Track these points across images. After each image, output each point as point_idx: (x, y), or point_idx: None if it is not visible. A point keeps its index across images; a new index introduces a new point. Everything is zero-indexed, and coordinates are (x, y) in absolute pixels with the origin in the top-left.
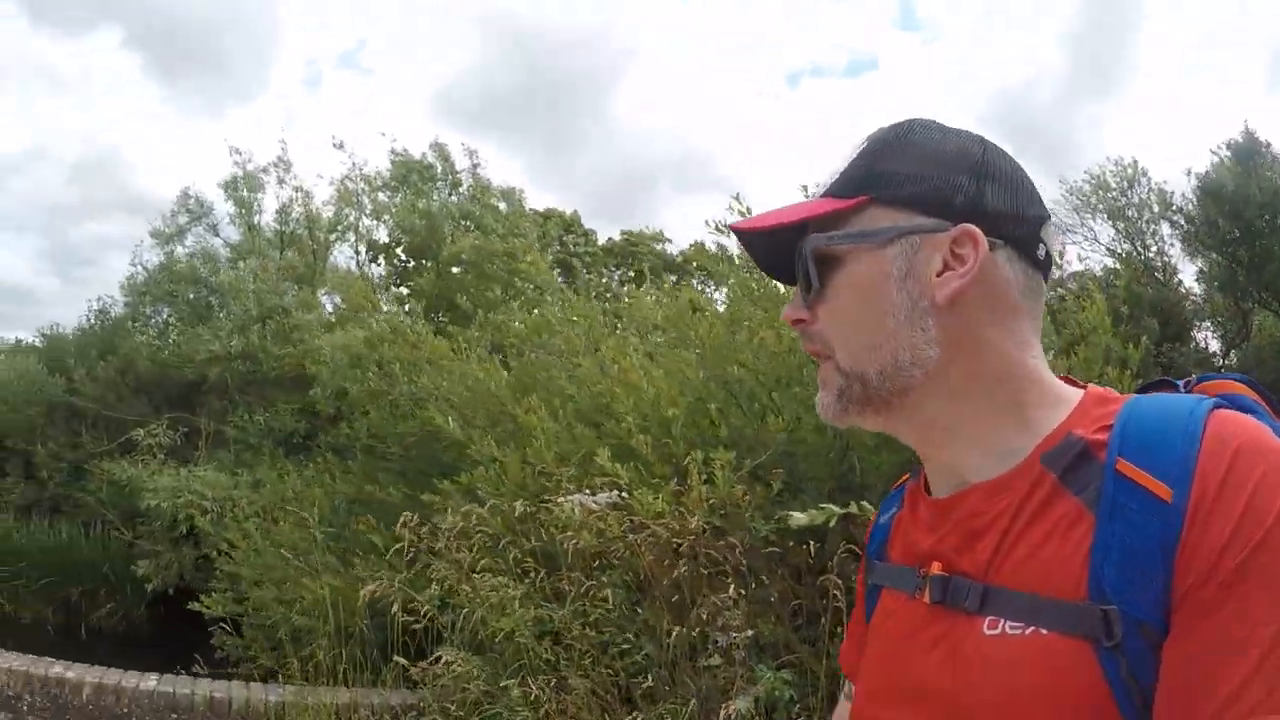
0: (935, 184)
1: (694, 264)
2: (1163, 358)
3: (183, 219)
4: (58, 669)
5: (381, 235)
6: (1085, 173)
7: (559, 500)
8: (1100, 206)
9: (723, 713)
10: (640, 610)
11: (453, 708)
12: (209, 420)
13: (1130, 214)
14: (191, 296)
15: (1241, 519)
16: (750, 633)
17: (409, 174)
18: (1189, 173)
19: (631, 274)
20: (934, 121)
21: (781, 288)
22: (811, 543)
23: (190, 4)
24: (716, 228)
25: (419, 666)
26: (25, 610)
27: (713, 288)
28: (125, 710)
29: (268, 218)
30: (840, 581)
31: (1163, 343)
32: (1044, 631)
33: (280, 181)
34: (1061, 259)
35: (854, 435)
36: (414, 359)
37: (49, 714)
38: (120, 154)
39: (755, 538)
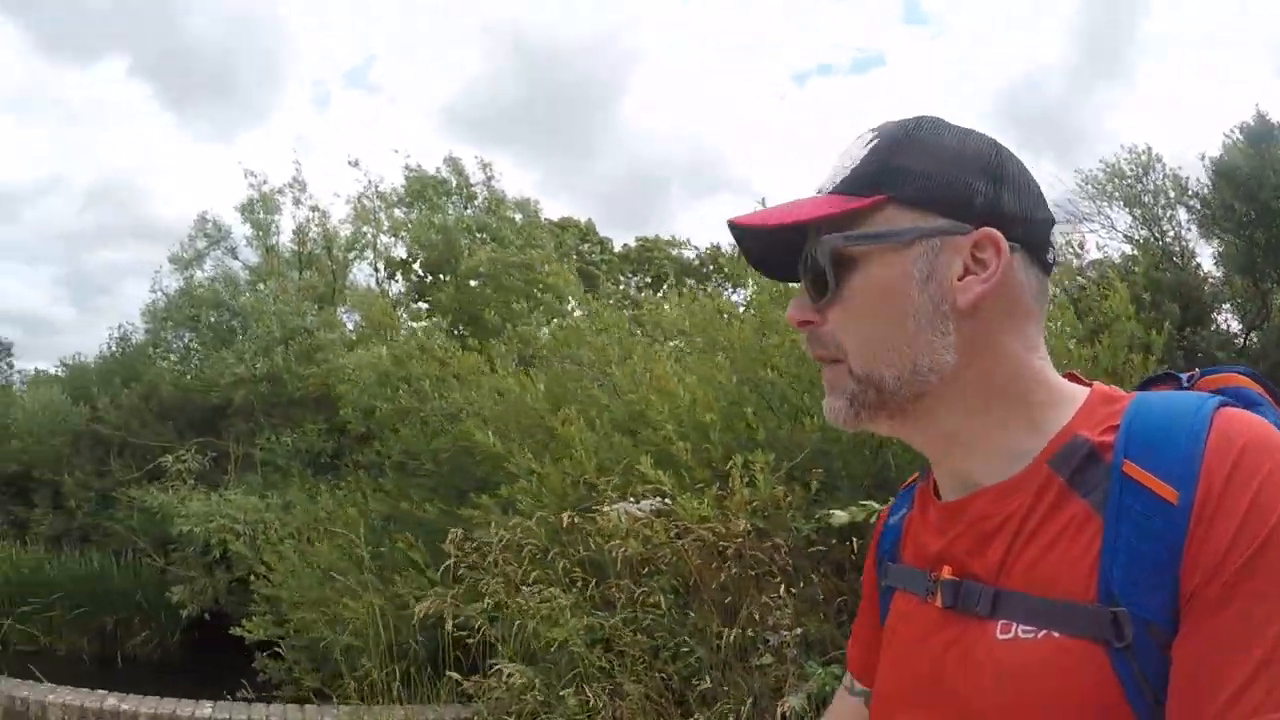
0: (954, 185)
1: (711, 267)
2: (1185, 341)
3: (201, 243)
4: (112, 701)
5: (399, 252)
6: (1100, 161)
7: (605, 509)
8: (1116, 194)
9: (779, 710)
10: (691, 613)
11: (510, 719)
12: (237, 444)
13: (1146, 200)
14: (213, 320)
15: (1246, 517)
16: (799, 631)
17: (424, 189)
18: (1203, 157)
19: (648, 280)
20: (942, 120)
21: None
22: (853, 540)
23: (196, 31)
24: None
25: (472, 680)
26: (60, 642)
27: (730, 289)
28: None
29: (285, 239)
30: None
31: (1184, 326)
32: (1056, 634)
33: (296, 202)
34: (1082, 249)
35: None
36: (442, 374)
37: None
38: (132, 181)
39: (797, 537)
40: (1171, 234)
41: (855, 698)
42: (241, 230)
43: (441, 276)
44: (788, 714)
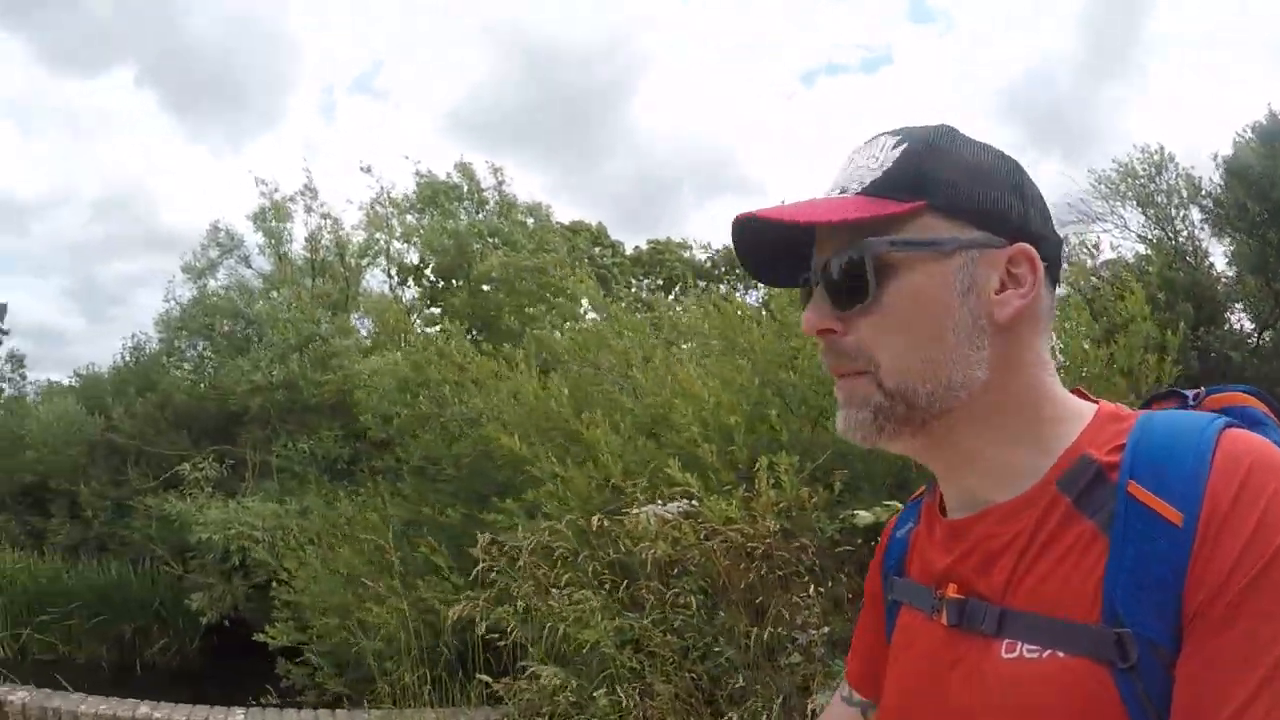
0: (987, 198)
1: (723, 269)
2: (1198, 341)
3: (214, 252)
4: (144, 709)
5: (412, 258)
6: (1113, 160)
7: (634, 512)
8: (1129, 194)
9: (808, 707)
10: (721, 613)
11: None
12: (254, 451)
13: (1160, 200)
14: (226, 328)
15: (1252, 537)
16: (826, 630)
17: (435, 195)
18: (1215, 157)
19: (660, 283)
20: (959, 131)
21: None
22: (877, 539)
23: (201, 39)
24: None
25: (503, 682)
26: (79, 651)
27: (743, 290)
28: None
29: (297, 246)
30: None
31: (1197, 326)
32: (1061, 654)
33: (308, 210)
34: (1096, 250)
35: None
36: (460, 379)
37: None
38: (141, 191)
39: (823, 538)
40: (1185, 234)
41: (853, 708)
42: (254, 238)
43: (454, 282)
44: (817, 711)
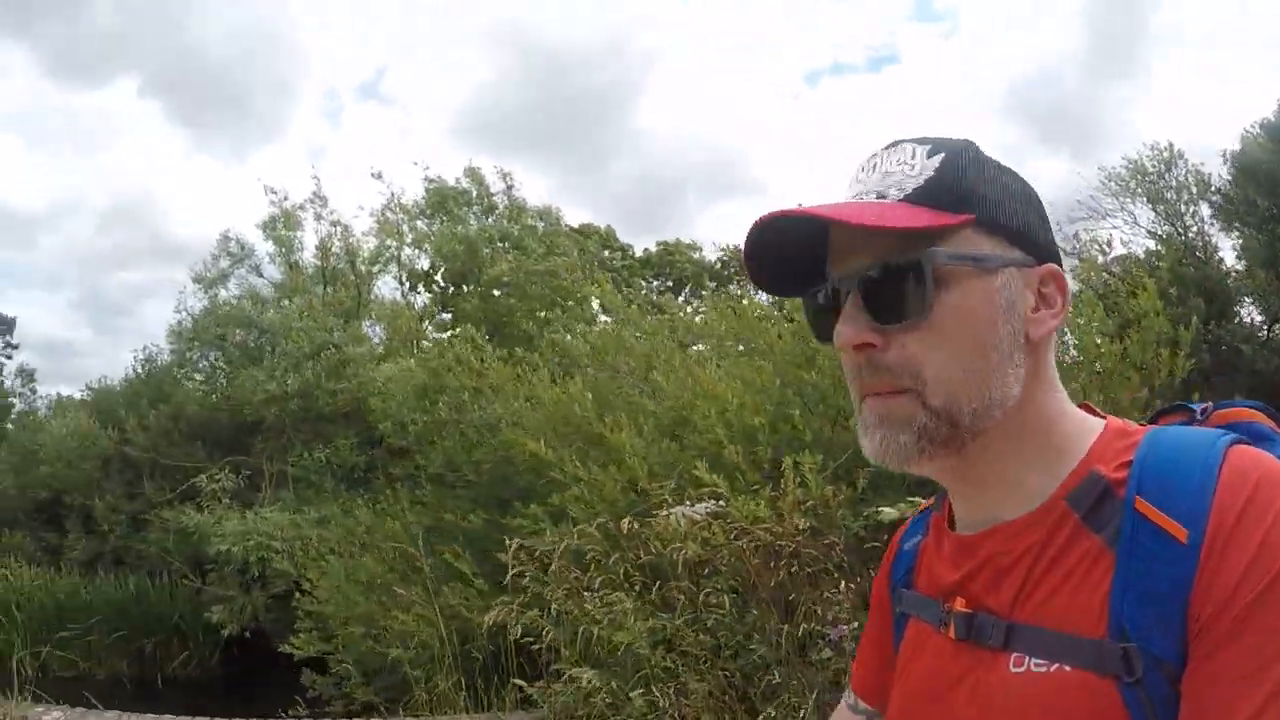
0: (1019, 217)
1: (733, 269)
2: (1210, 335)
3: (224, 262)
4: None
5: (423, 264)
6: (1123, 158)
7: (664, 514)
8: (1139, 191)
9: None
10: (754, 611)
11: None
12: (270, 461)
13: (1169, 196)
14: (239, 337)
15: (1259, 552)
16: (856, 625)
17: (444, 201)
18: (1225, 153)
19: (669, 284)
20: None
21: None
22: None
23: (205, 48)
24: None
25: (537, 686)
26: (99, 667)
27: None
28: None
29: (308, 255)
30: None
31: (1209, 320)
32: (1068, 668)
33: (318, 217)
34: (1109, 247)
35: None
36: (479, 385)
37: None
38: (147, 202)
39: (848, 534)
40: (1194, 229)
41: (859, 716)
42: (264, 247)
43: (464, 287)
44: None
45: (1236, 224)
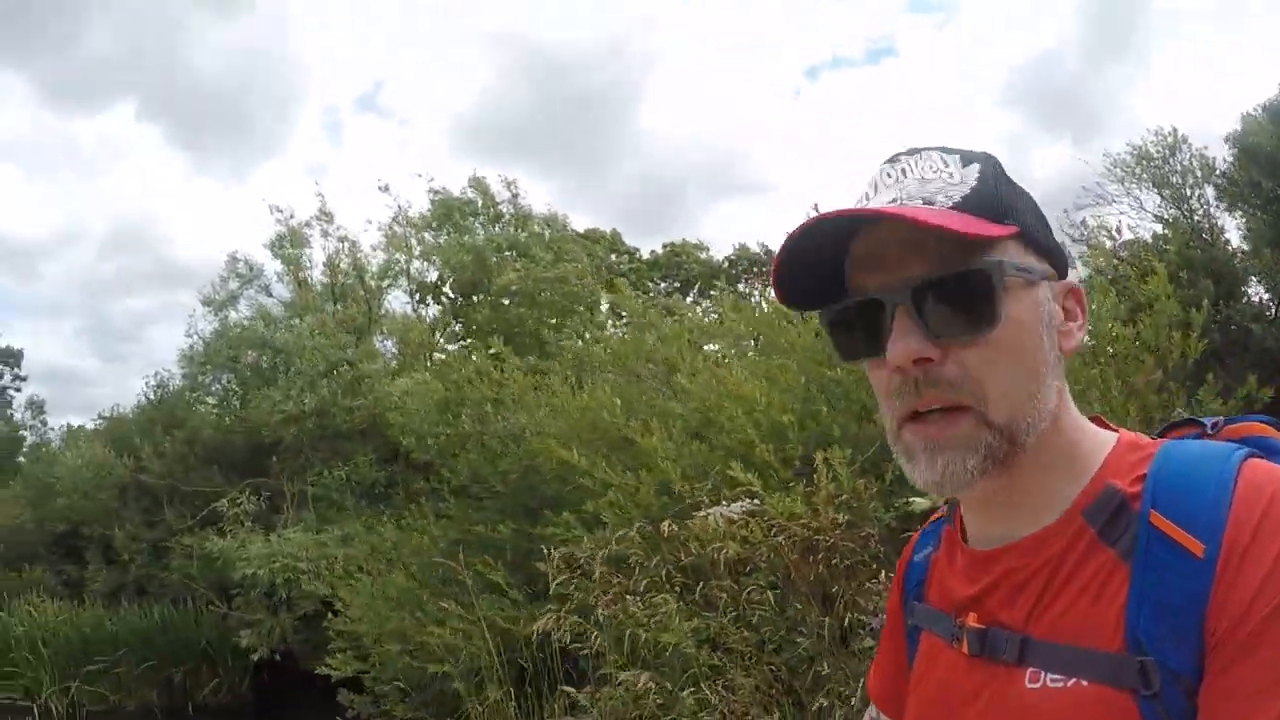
0: (1044, 231)
1: (741, 268)
2: (1219, 315)
3: (233, 284)
4: None
5: (431, 276)
6: (1127, 144)
7: (700, 515)
8: (1145, 176)
9: None
10: (798, 605)
11: None
12: (290, 481)
13: (1175, 181)
14: (251, 358)
15: (1275, 566)
16: None
17: (450, 212)
18: (1229, 136)
19: (677, 285)
20: None
21: None
22: None
23: (201, 69)
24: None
25: (585, 691)
26: (129, 699)
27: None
28: None
29: (316, 273)
30: None
31: (1218, 301)
32: (1084, 683)
33: (325, 234)
34: (1118, 233)
35: None
36: (500, 396)
37: None
38: (149, 226)
39: (881, 526)
40: (1200, 212)
41: None
42: (272, 266)
43: (474, 298)
44: None
45: (1241, 205)
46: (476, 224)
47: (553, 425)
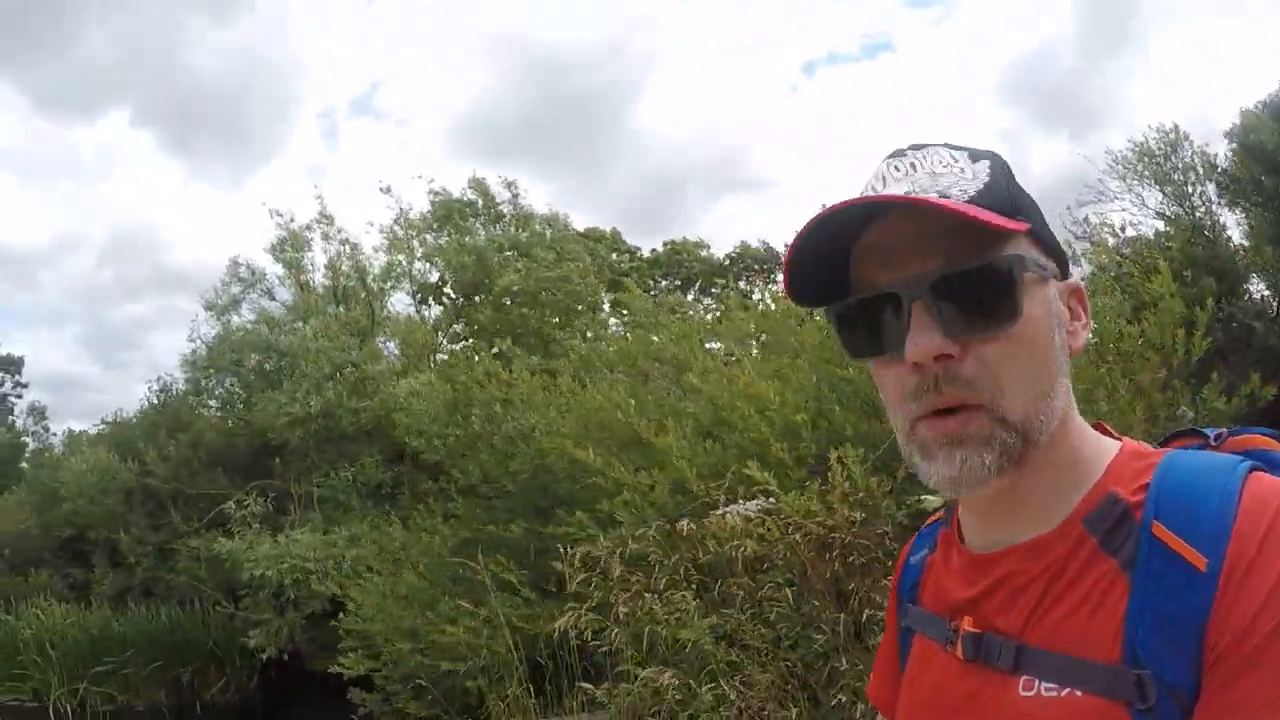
0: (1049, 231)
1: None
2: (1221, 313)
3: (235, 289)
4: None
5: (433, 277)
6: (1129, 141)
7: (719, 513)
8: (1146, 173)
9: None
10: (815, 602)
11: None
12: (298, 483)
13: (1176, 178)
14: (254, 361)
15: (1279, 583)
16: None
17: (450, 214)
18: (1229, 130)
19: (678, 283)
20: None
21: None
22: None
23: (195, 75)
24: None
25: (603, 688)
26: (138, 699)
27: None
28: None
29: (317, 275)
30: None
31: (1220, 298)
32: (1079, 694)
33: (326, 237)
34: (1122, 231)
35: None
36: (509, 396)
37: None
38: (147, 232)
39: (894, 523)
40: (1202, 209)
41: None
42: (274, 270)
43: (475, 299)
44: None
45: (1242, 202)
46: (477, 225)
47: (562, 425)
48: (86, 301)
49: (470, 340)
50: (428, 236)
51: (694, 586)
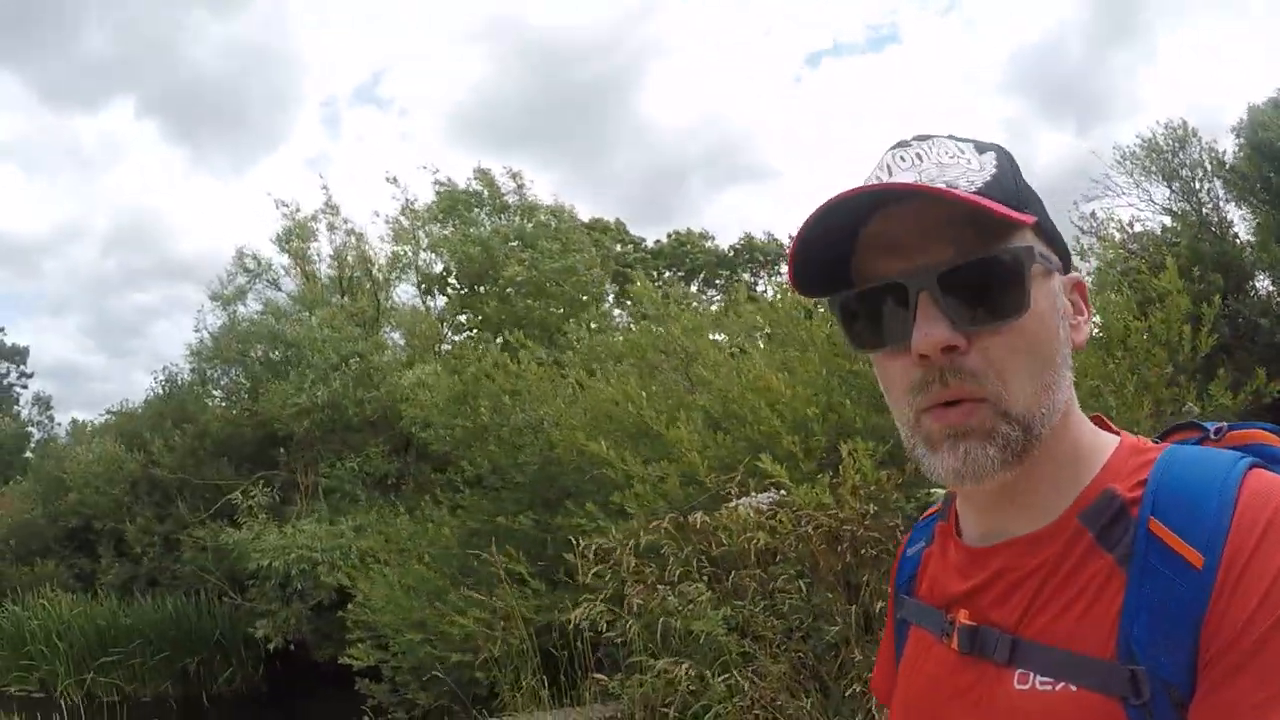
0: (1052, 225)
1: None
2: (1227, 309)
3: (241, 279)
4: None
5: (438, 268)
6: (1137, 136)
7: (731, 505)
8: (1154, 169)
9: None
10: (827, 594)
11: (670, 711)
12: (304, 474)
13: (1184, 174)
14: (260, 351)
15: (1277, 580)
16: None
17: (455, 205)
18: (1237, 126)
19: (682, 274)
20: None
21: None
22: None
23: (198, 65)
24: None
25: (617, 679)
26: (144, 689)
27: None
28: None
29: (323, 265)
30: None
31: (1226, 294)
32: (1073, 688)
33: (331, 227)
34: (1130, 227)
35: None
36: (518, 388)
37: None
38: (150, 222)
39: (904, 516)
40: (1209, 205)
41: None
42: (279, 260)
43: (479, 289)
44: None
45: (1249, 198)
46: (482, 215)
47: (568, 416)
48: (91, 291)
49: (475, 331)
50: (433, 227)
51: (706, 578)
